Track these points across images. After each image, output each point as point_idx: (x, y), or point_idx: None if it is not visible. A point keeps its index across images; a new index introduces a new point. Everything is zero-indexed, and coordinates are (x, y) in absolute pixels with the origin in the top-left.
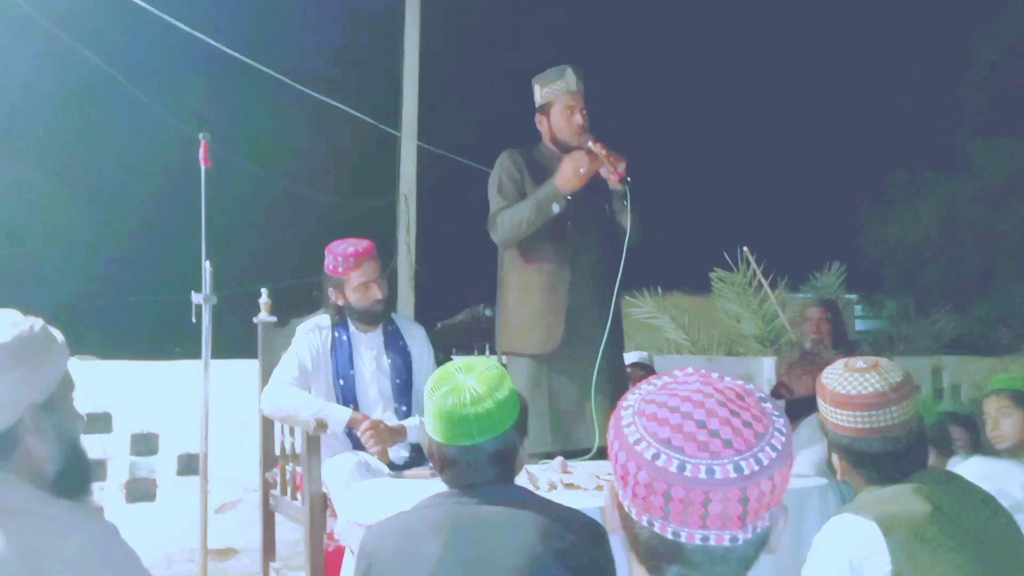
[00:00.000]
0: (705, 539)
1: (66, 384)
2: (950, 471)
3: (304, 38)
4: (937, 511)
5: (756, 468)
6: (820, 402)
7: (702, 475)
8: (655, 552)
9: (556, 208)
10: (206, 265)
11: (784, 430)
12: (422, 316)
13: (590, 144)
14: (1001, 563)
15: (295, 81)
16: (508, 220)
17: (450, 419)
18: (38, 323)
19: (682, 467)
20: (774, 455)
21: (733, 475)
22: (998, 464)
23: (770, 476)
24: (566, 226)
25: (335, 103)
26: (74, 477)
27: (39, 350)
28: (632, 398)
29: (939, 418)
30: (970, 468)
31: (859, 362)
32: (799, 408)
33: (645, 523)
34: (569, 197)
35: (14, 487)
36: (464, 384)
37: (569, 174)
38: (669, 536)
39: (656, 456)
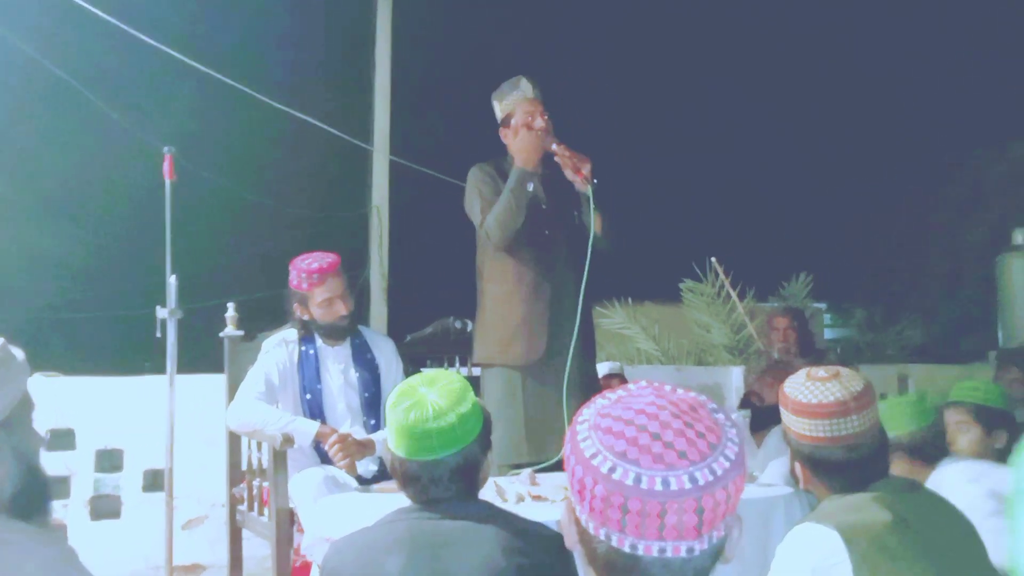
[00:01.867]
0: (662, 551)
1: (25, 404)
2: (913, 480)
3: (274, 51)
4: (898, 520)
5: (711, 478)
6: (783, 411)
7: (658, 487)
8: (613, 566)
9: (530, 187)
10: (171, 280)
11: (736, 440)
12: (395, 329)
13: (553, 146)
14: (961, 573)
15: (263, 94)
16: (496, 219)
17: (412, 434)
18: None
19: (638, 479)
20: (728, 465)
21: (688, 486)
22: (989, 466)
23: (724, 486)
24: (543, 234)
25: (305, 116)
26: (32, 499)
27: None
28: (587, 412)
29: (932, 419)
30: (960, 470)
31: (820, 371)
32: (768, 417)
33: (603, 537)
34: (537, 175)
35: None
36: (426, 398)
37: (524, 146)
38: (627, 549)
39: (612, 469)
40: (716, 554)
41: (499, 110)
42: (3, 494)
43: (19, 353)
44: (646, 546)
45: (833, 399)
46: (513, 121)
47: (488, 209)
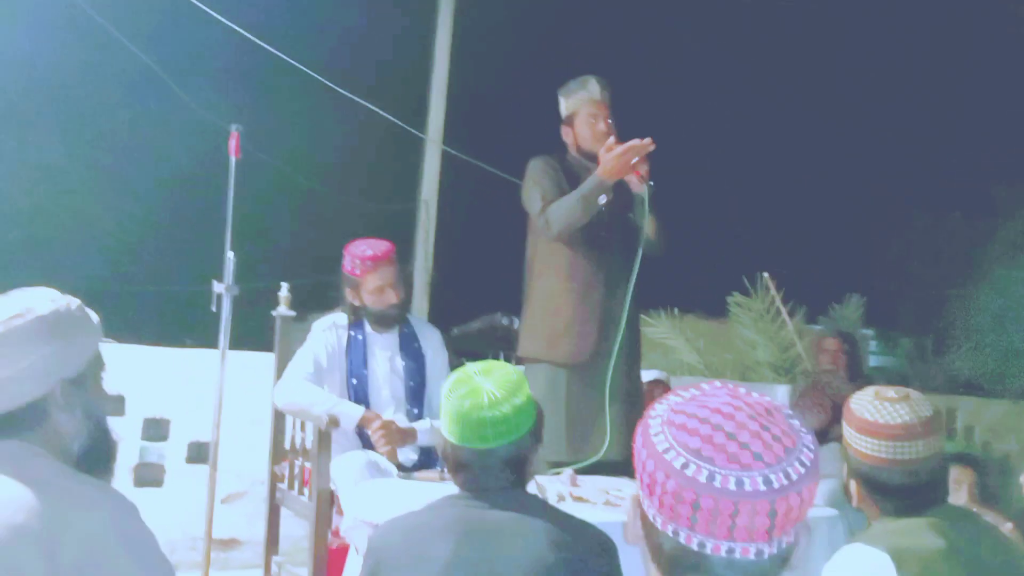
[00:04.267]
0: (731, 551)
1: (97, 364)
2: (968, 509)
3: (337, 38)
4: (950, 548)
5: (785, 482)
6: (845, 427)
7: (731, 486)
8: (678, 563)
9: (603, 200)
10: (230, 255)
11: (812, 447)
12: (435, 322)
13: (611, 141)
14: None
15: (326, 79)
16: (559, 212)
17: (466, 421)
18: (75, 302)
19: (712, 477)
20: (803, 471)
21: (763, 488)
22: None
23: (799, 491)
24: (600, 235)
25: (364, 102)
26: (99, 455)
27: (74, 326)
28: (660, 408)
29: None
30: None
31: (890, 391)
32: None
33: (670, 533)
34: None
35: (42, 459)
36: (482, 387)
37: (615, 162)
38: (694, 547)
39: (685, 465)
40: (784, 560)
41: (564, 107)
42: (73, 449)
43: (94, 315)
44: (715, 545)
45: (900, 421)
46: (576, 122)
47: (549, 198)
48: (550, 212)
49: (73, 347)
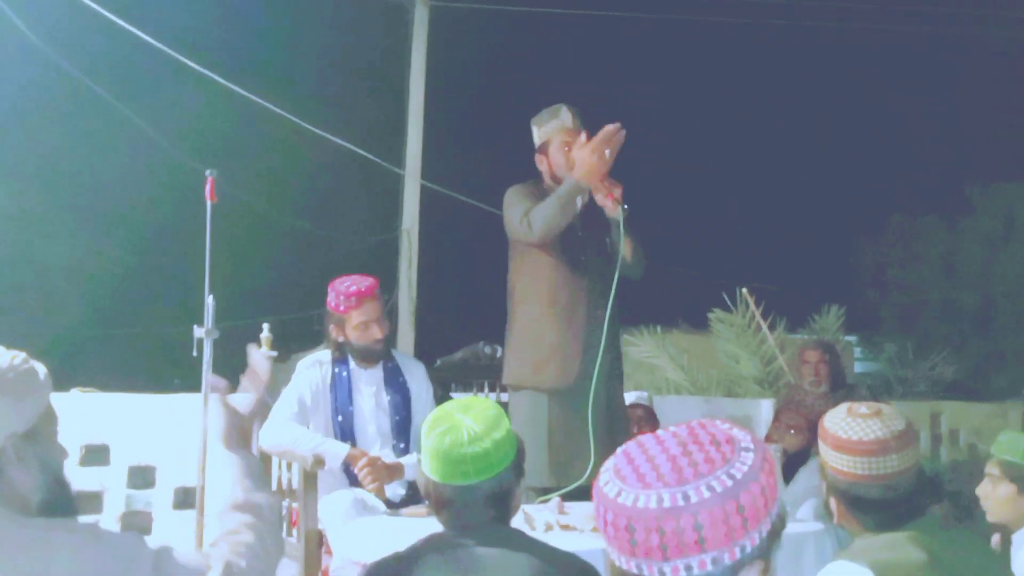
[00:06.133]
0: (639, 568)
1: (49, 416)
2: (948, 520)
3: (311, 76)
4: (933, 560)
5: (681, 503)
6: (821, 445)
7: (627, 502)
8: None
9: (579, 203)
10: (209, 300)
11: (736, 476)
12: (422, 352)
13: None
14: None
15: (301, 119)
16: (539, 214)
17: (447, 458)
18: (20, 356)
19: (618, 494)
20: (706, 495)
21: (652, 505)
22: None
23: (692, 513)
24: (579, 259)
25: (340, 141)
26: (59, 509)
27: (20, 381)
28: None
29: None
30: None
31: (862, 407)
32: (793, 467)
33: (615, 562)
34: (587, 193)
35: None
36: (462, 423)
37: (590, 163)
38: (633, 571)
39: (606, 483)
40: None
41: (537, 136)
42: (31, 504)
43: (41, 368)
44: (625, 560)
45: (874, 437)
46: (550, 150)
47: (530, 207)
48: (532, 215)
49: (22, 402)
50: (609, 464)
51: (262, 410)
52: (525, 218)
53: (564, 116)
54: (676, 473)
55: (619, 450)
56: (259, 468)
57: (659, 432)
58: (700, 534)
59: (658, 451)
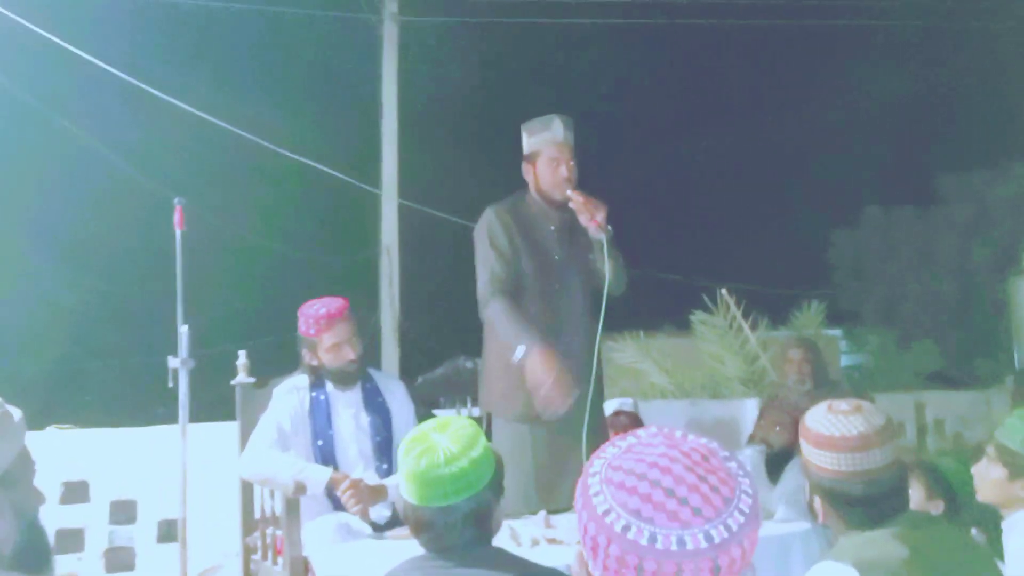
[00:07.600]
0: None
1: (24, 461)
2: (931, 514)
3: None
4: (917, 555)
5: (726, 535)
6: (803, 443)
7: (673, 547)
8: None
9: (520, 352)
10: (183, 330)
11: (750, 491)
12: (408, 369)
13: (569, 192)
14: None
15: (272, 142)
16: (492, 313)
17: (424, 480)
18: None
19: (653, 538)
20: (742, 520)
21: (704, 545)
22: None
23: (739, 542)
24: (554, 287)
25: (314, 163)
26: (33, 554)
27: None
28: (598, 464)
29: None
30: None
31: (843, 404)
32: (780, 462)
33: None
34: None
35: None
36: (438, 444)
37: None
38: None
39: (627, 528)
40: None
41: (526, 144)
42: (4, 551)
43: (16, 412)
44: None
45: (856, 433)
46: (537, 162)
47: (495, 262)
48: (490, 303)
49: None
50: (607, 501)
51: None
52: (487, 289)
53: (556, 129)
54: (709, 505)
55: (602, 481)
56: None
57: (646, 454)
58: (744, 559)
59: (672, 482)
